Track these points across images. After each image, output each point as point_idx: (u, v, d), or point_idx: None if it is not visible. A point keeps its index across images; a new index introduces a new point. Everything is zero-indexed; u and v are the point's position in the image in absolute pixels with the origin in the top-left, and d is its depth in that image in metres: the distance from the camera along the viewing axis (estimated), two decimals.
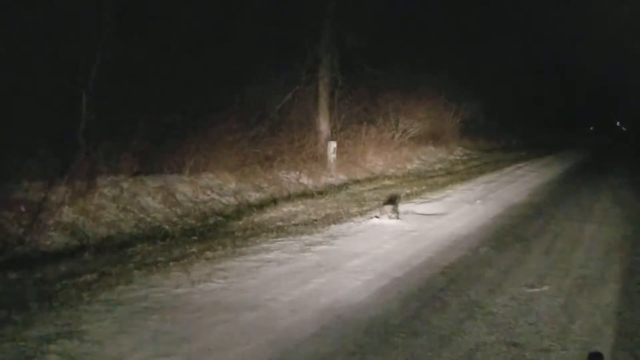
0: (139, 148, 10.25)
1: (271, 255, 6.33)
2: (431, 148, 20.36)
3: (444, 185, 12.40)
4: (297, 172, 13.35)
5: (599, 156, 25.33)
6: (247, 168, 12.25)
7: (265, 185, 12.32)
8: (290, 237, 7.26)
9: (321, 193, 11.44)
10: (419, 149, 19.34)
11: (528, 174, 15.00)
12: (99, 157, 9.45)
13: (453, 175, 14.55)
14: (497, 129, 26.69)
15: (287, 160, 13.45)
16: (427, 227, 8.01)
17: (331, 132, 15.47)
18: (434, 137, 20.72)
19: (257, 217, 9.22)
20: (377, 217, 8.38)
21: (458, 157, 20.82)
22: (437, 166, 18.04)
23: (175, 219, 9.58)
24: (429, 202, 10.23)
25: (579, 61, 38.34)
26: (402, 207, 9.51)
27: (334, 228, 7.88)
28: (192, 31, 12.34)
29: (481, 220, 8.61)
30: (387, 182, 13.44)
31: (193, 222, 9.50)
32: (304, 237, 7.29)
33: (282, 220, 8.87)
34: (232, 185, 11.67)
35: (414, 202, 10.19)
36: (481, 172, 15.26)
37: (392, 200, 9.73)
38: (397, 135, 17.71)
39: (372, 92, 17.59)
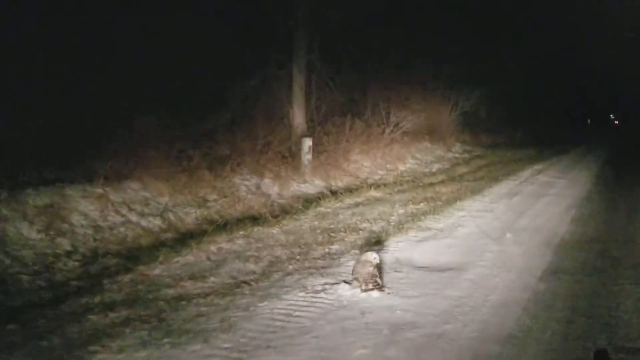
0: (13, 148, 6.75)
1: None
2: (427, 144, 16.35)
3: (449, 201, 8.40)
4: (260, 178, 9.51)
5: (620, 154, 20.29)
6: (189, 174, 8.41)
7: (213, 197, 8.52)
8: (167, 347, 3.36)
9: (277, 216, 7.50)
10: (413, 145, 15.34)
11: (555, 181, 10.83)
12: None
13: (458, 183, 10.49)
14: (497, 123, 22.60)
15: (247, 162, 9.62)
16: (437, 310, 4.03)
17: (307, 127, 11.59)
18: (430, 132, 16.70)
19: (162, 266, 5.38)
20: (346, 282, 4.43)
21: (458, 155, 16.82)
22: (435, 167, 14.11)
23: (50, 259, 5.89)
24: (432, 236, 6.27)
25: (578, 54, 34.37)
26: (393, 248, 5.65)
27: (264, 311, 3.93)
28: None
29: (527, 289, 4.55)
30: (373, 192, 9.49)
31: (75, 264, 5.86)
32: (193, 348, 3.36)
33: (193, 275, 5.01)
34: (165, 199, 7.85)
35: (409, 236, 6.24)
36: (493, 178, 11.11)
37: (378, 242, 5.77)
38: (387, 130, 13.77)
39: (358, 79, 13.73)
